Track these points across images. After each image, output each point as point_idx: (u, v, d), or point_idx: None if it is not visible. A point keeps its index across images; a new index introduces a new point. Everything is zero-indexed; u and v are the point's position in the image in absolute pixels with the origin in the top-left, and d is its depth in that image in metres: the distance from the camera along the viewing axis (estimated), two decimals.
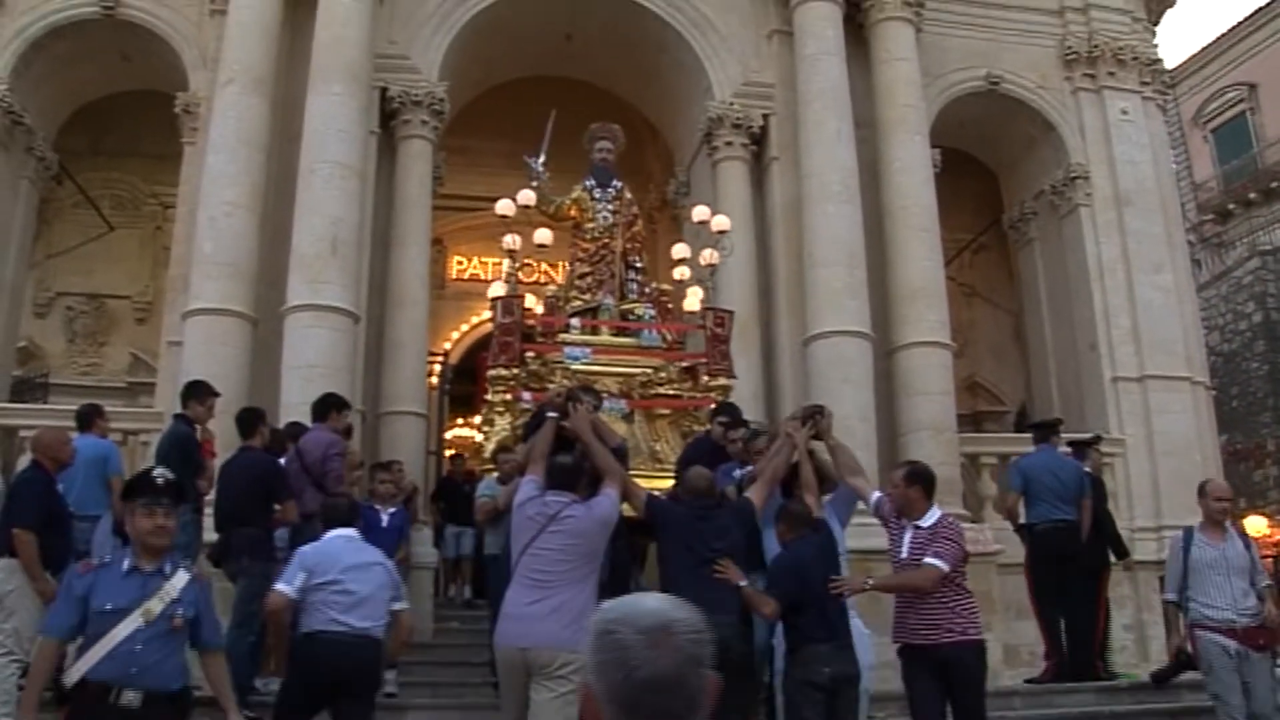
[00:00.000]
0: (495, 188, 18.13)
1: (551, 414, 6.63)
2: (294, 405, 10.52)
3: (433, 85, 13.64)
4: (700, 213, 11.15)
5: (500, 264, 18.95)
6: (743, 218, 13.58)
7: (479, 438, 11.34)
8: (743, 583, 6.12)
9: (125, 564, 4.56)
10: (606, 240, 11.07)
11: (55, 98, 14.61)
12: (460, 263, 19.06)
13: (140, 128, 15.62)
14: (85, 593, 4.46)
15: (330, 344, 11.60)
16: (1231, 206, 27.78)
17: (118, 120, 15.70)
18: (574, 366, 9.85)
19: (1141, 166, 15.25)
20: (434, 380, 15.69)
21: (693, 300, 10.91)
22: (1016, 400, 18.60)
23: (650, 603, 1.79)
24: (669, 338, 10.70)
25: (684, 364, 10.42)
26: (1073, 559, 9.70)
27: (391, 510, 9.07)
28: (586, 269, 11.00)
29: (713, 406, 9.33)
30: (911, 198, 13.53)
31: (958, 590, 6.08)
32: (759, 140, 14.38)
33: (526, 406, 9.33)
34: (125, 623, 4.40)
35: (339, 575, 5.99)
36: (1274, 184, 26.79)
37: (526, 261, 18.74)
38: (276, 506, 7.71)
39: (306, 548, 6.31)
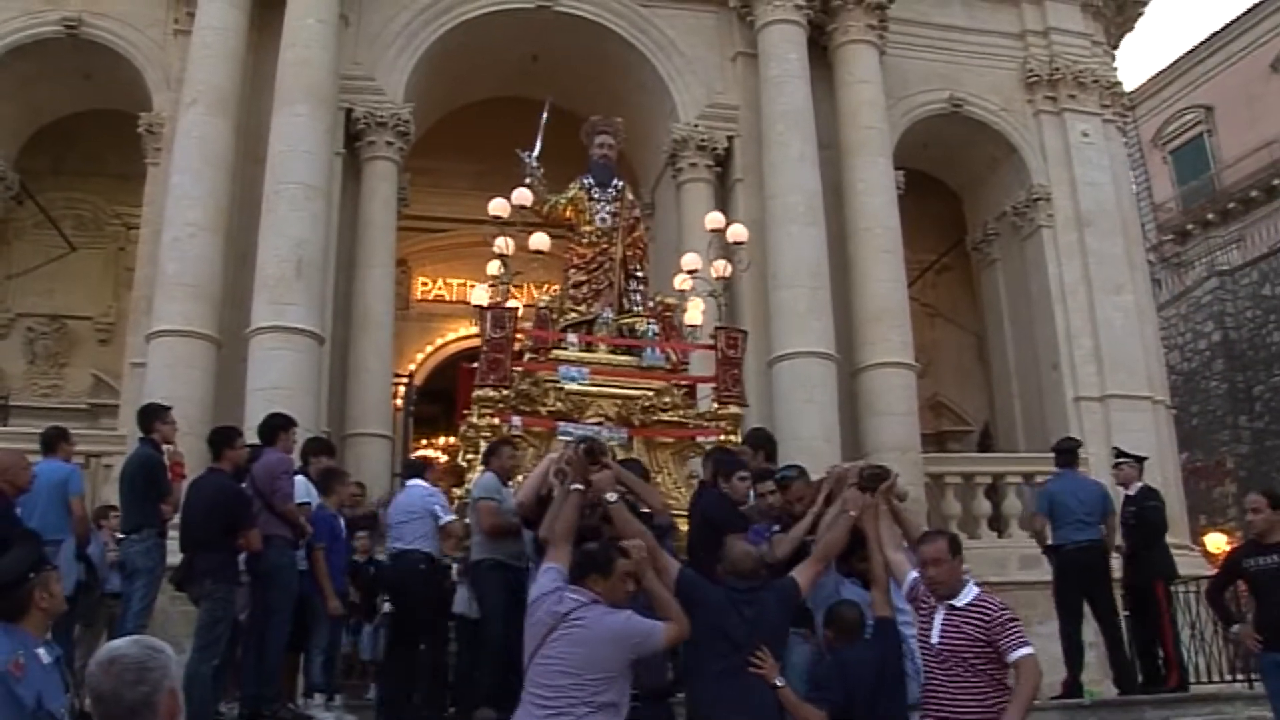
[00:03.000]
0: (460, 208, 18.34)
1: (576, 486, 5.41)
2: (258, 428, 10.46)
3: (398, 106, 13.64)
4: (714, 220, 10.29)
5: (465, 284, 19.14)
6: (706, 239, 13.60)
7: (462, 463, 9.92)
8: (779, 682, 5.26)
9: (45, 656, 4.06)
10: (605, 245, 9.93)
11: (16, 116, 14.51)
12: (425, 284, 19.00)
13: (103, 147, 15.49)
14: (35, 701, 3.87)
15: (295, 366, 11.57)
16: (1190, 227, 28.17)
17: (80, 139, 15.58)
18: (569, 388, 8.91)
19: (1102, 188, 15.44)
20: (398, 402, 15.59)
21: (694, 314, 9.88)
22: (980, 420, 18.69)
23: (113, 642, 2.56)
24: (674, 357, 9.69)
25: (685, 387, 9.59)
26: (1100, 578, 9.77)
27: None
28: (583, 277, 9.86)
29: (712, 448, 8.28)
30: (875, 219, 13.65)
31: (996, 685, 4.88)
32: (723, 162, 14.46)
33: (516, 433, 8.53)
34: None
35: None
36: (1231, 205, 27.19)
37: (491, 284, 18.96)
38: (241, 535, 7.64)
39: None
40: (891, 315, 13.38)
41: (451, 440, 21.82)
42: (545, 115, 10.28)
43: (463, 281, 18.96)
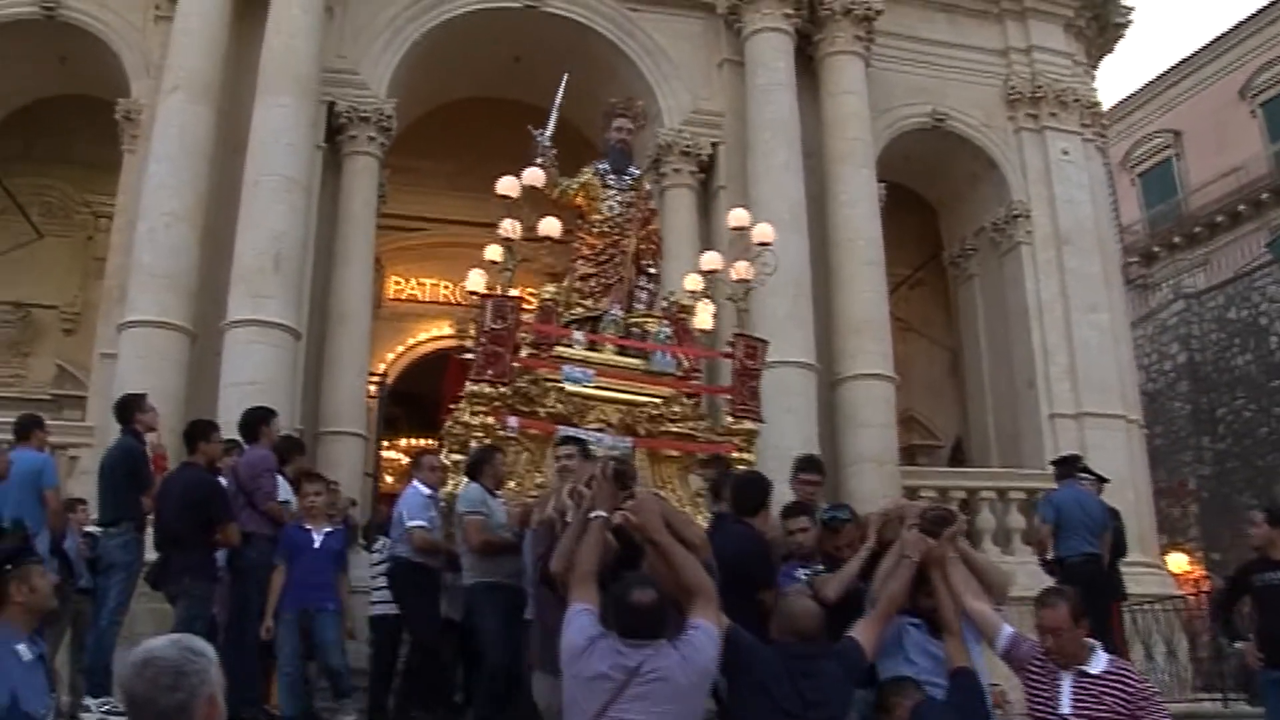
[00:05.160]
0: (435, 208, 18.24)
1: (598, 514, 4.62)
2: (231, 423, 10.13)
3: (381, 102, 13.47)
4: (738, 217, 9.46)
5: (439, 285, 18.97)
6: (689, 245, 13.53)
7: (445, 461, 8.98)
8: None
9: (26, 653, 3.91)
10: (617, 237, 9.20)
11: None
12: (398, 283, 18.76)
13: (74, 134, 15.21)
14: (8, 699, 3.73)
15: (270, 361, 11.37)
16: (1156, 249, 28.47)
17: (51, 125, 15.27)
18: (571, 389, 8.28)
19: (1081, 206, 15.54)
20: (370, 401, 15.38)
21: (704, 318, 9.14)
22: (950, 435, 18.73)
23: (148, 642, 2.39)
24: (686, 364, 8.99)
25: (694, 397, 8.95)
26: (1101, 592, 9.76)
27: (326, 530, 7.91)
28: (591, 269, 9.12)
29: (741, 471, 7.42)
30: (858, 230, 13.64)
31: None
32: (707, 169, 14.40)
33: (511, 434, 7.94)
34: None
35: None
36: (1197, 229, 27.51)
37: (465, 285, 18.76)
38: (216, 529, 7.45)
39: None
40: (872, 327, 13.37)
41: (417, 442, 21.67)
42: (561, 93, 9.65)
43: (436, 282, 18.83)
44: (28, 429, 8.28)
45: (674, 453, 8.49)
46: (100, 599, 7.80)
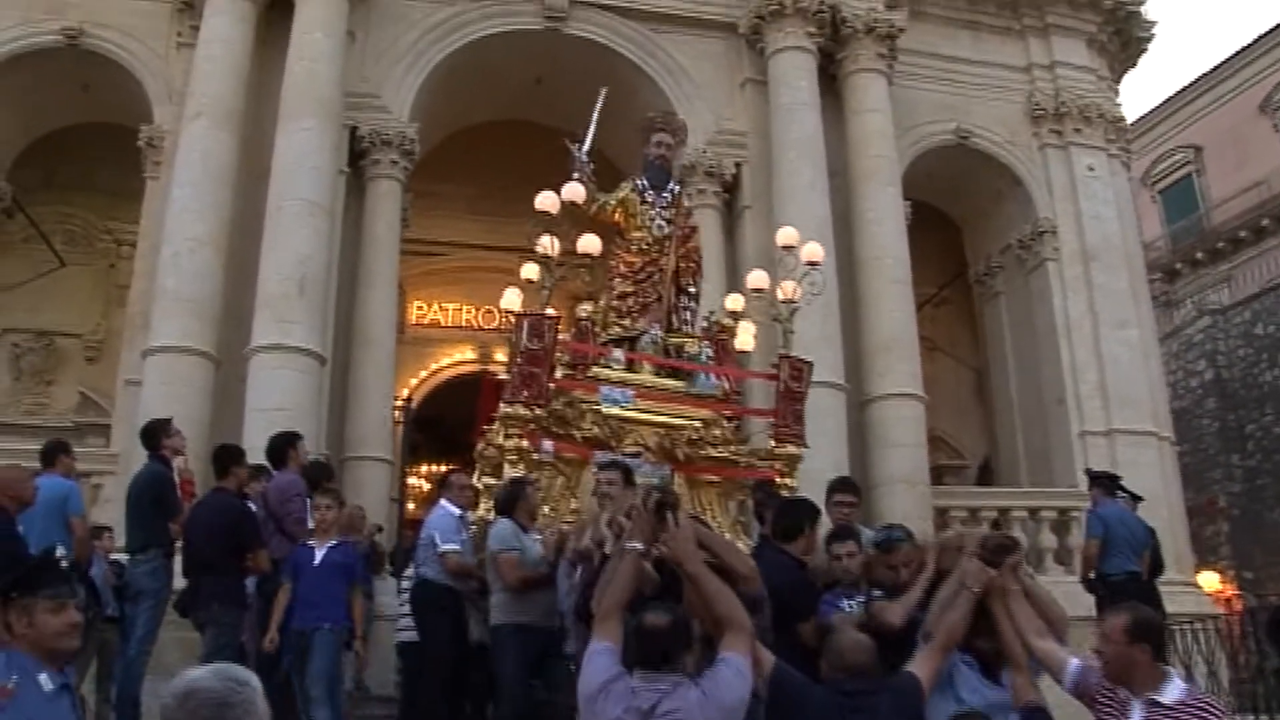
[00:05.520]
0: (456, 232, 18.22)
1: (633, 545, 4.29)
2: (257, 449, 10.06)
3: (404, 125, 13.44)
4: (786, 235, 9.08)
5: (460, 309, 18.92)
6: (714, 267, 13.43)
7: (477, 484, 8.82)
8: None
9: (48, 683, 3.57)
10: (656, 255, 8.89)
11: (12, 127, 14.21)
12: (420, 308, 18.70)
13: (97, 162, 15.21)
14: None
15: (296, 386, 11.31)
16: (1179, 266, 28.25)
17: (74, 153, 15.27)
18: (608, 411, 7.96)
19: (1107, 222, 15.40)
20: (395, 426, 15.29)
21: (744, 338, 8.95)
22: (976, 455, 18.57)
23: (189, 673, 2.32)
24: (728, 386, 8.71)
25: (734, 420, 8.69)
26: None
27: (330, 544, 7.47)
28: (629, 288, 8.80)
29: (786, 495, 7.24)
30: (884, 249, 13.52)
31: None
32: (731, 189, 14.32)
33: (546, 458, 7.68)
34: None
35: None
36: (1220, 245, 27.28)
37: (489, 309, 18.69)
38: (248, 555, 7.33)
39: None
40: (901, 345, 13.25)
41: (439, 468, 21.55)
42: (598, 108, 9.42)
43: (458, 306, 18.79)
44: (54, 454, 8.18)
45: (714, 478, 8.18)
46: (128, 628, 7.73)
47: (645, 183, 9.13)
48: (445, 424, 19.75)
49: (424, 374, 18.42)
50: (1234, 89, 27.97)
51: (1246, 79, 27.73)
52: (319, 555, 7.39)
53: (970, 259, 17.49)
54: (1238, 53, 28.04)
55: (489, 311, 18.60)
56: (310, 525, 7.63)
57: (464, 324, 18.75)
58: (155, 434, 8.03)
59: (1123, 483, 10.59)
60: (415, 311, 18.77)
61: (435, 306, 18.84)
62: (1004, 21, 16.01)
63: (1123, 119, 16.47)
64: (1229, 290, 26.29)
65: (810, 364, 8.83)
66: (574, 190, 8.22)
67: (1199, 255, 27.75)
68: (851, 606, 5.37)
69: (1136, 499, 10.50)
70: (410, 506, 17.38)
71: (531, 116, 15.64)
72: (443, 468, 21.77)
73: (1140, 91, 57.08)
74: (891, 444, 12.88)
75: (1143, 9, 16.66)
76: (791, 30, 13.92)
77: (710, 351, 8.68)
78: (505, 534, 6.76)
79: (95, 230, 16.17)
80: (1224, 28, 63.75)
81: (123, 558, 9.01)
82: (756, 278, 9.06)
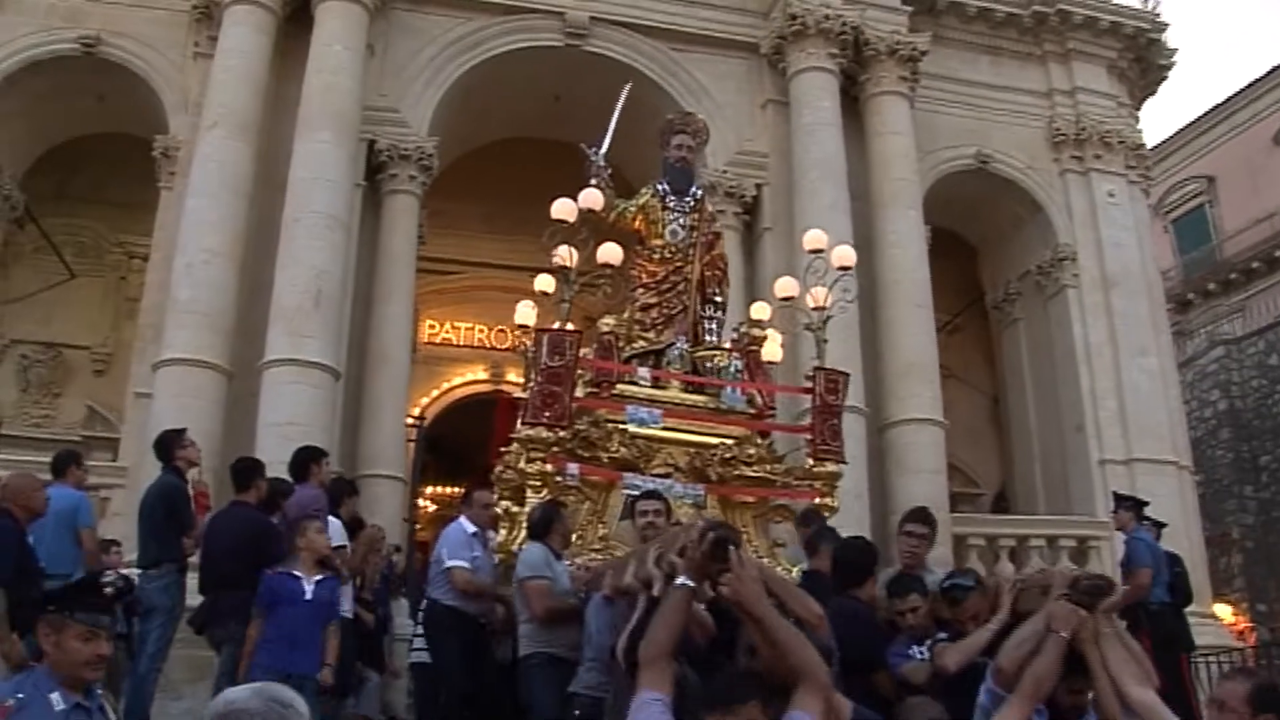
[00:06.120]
0: (469, 251, 18.07)
1: (682, 581, 3.72)
2: (271, 465, 9.88)
3: (422, 140, 13.32)
4: (813, 238, 8.48)
5: (473, 329, 18.76)
6: (734, 289, 13.22)
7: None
8: None
9: (59, 702, 3.40)
10: (680, 264, 8.41)
11: (26, 135, 14.10)
12: (432, 326, 18.55)
13: (109, 173, 15.09)
14: None
15: (310, 401, 11.16)
16: (1191, 297, 28.09)
17: (86, 164, 15.17)
18: (636, 431, 7.51)
19: (1128, 249, 15.27)
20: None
21: (772, 349, 8.40)
22: (991, 482, 18.37)
23: (229, 692, 2.25)
24: (760, 400, 8.24)
25: (767, 436, 8.20)
26: (1175, 641, 9.33)
27: (318, 578, 6.73)
28: (652, 299, 8.32)
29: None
30: (905, 272, 13.39)
31: None
32: (751, 210, 14.18)
33: (572, 482, 7.21)
34: None
35: None
36: (1233, 276, 27.14)
37: (501, 328, 18.51)
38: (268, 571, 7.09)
39: None
40: (922, 370, 13.11)
41: (447, 490, 21.35)
42: (620, 107, 8.92)
43: (470, 325, 18.66)
44: (64, 464, 8.02)
45: (749, 499, 7.72)
46: (139, 645, 7.51)
47: (666, 187, 8.64)
48: (455, 444, 19.60)
49: (435, 393, 18.27)
50: (1247, 120, 27.87)
51: (1260, 110, 27.62)
52: (309, 589, 6.64)
53: (987, 285, 17.35)
54: (1251, 84, 27.96)
55: (501, 331, 18.45)
56: (338, 545, 7.40)
57: (476, 343, 18.61)
58: (169, 445, 7.85)
59: (1147, 510, 10.42)
60: (427, 330, 18.63)
61: (447, 325, 18.70)
62: (1025, 47, 15.93)
63: (1143, 146, 16.38)
64: (1242, 321, 26.10)
65: (847, 375, 8.31)
66: (592, 197, 7.72)
67: (1211, 286, 27.58)
68: (922, 654, 5.01)
69: (1159, 526, 10.31)
70: (416, 528, 17.20)
71: (548, 134, 15.50)
72: (451, 489, 21.73)
73: (1155, 120, 57.19)
74: (911, 470, 12.71)
75: (1164, 37, 16.56)
76: (814, 51, 13.82)
77: (741, 364, 8.22)
78: (536, 560, 6.27)
79: (106, 242, 16.01)
80: (1240, 58, 63.89)
81: (133, 573, 8.84)
82: (785, 285, 8.55)
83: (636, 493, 6.99)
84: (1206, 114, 28.90)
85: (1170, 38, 16.68)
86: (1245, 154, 27.62)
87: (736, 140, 14.24)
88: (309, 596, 6.59)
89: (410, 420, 14.99)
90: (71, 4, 12.97)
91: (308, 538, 6.76)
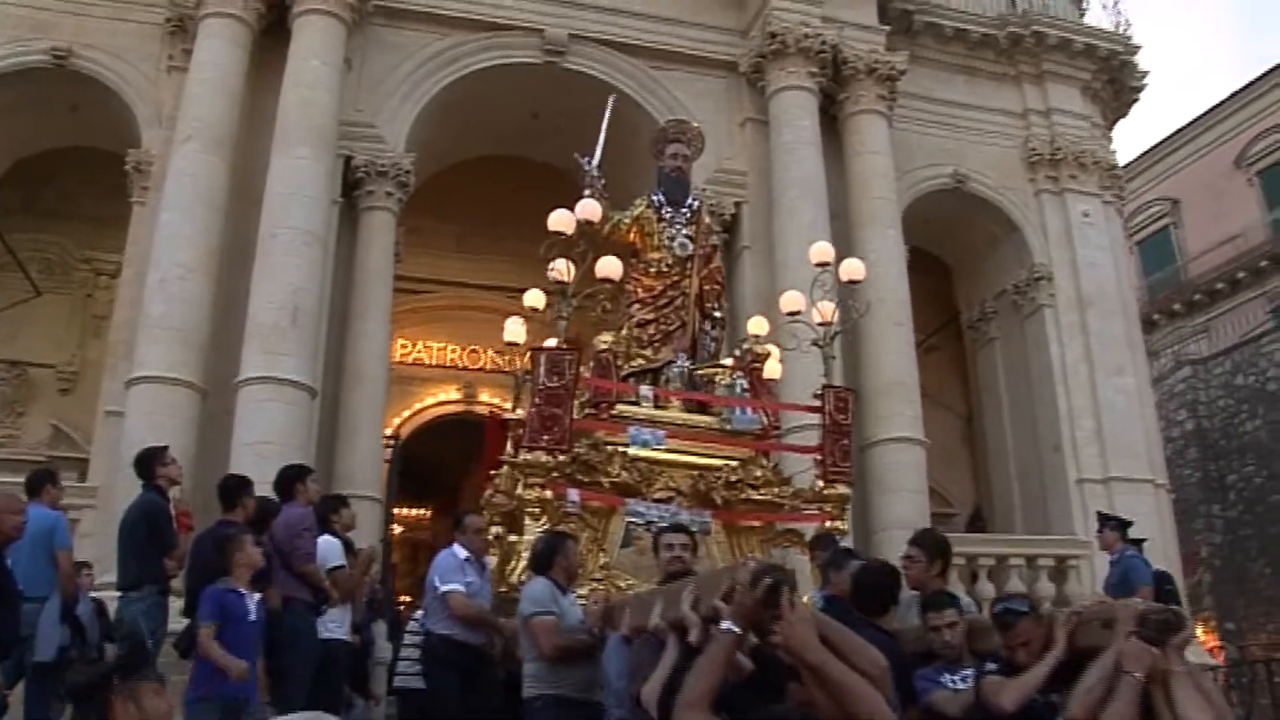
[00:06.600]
0: (442, 270, 17.90)
1: (728, 626, 3.35)
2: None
3: (399, 156, 13.16)
4: (820, 251, 8.33)
5: (446, 348, 18.56)
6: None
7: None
8: None
9: None
10: (677, 278, 8.13)
11: None
12: (404, 345, 18.34)
13: (78, 188, 14.84)
14: None
15: (286, 419, 10.96)
16: (1156, 317, 28.35)
17: (55, 179, 14.89)
18: (636, 454, 7.19)
19: (1103, 269, 15.36)
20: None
21: (772, 366, 8.14)
22: (965, 502, 18.36)
23: None
24: (766, 420, 7.91)
25: (769, 456, 7.94)
26: None
27: (258, 596, 6.32)
28: (649, 315, 8.04)
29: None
30: (886, 291, 13.33)
31: None
32: (730, 228, 14.10)
33: (572, 509, 6.85)
34: None
35: None
36: (1197, 296, 27.45)
37: (474, 348, 18.31)
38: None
39: None
40: (902, 389, 13.09)
41: (418, 513, 21.10)
42: (609, 113, 8.78)
43: (442, 345, 18.47)
44: (40, 484, 7.74)
45: (755, 524, 7.46)
46: None
47: (661, 198, 8.36)
48: (425, 466, 19.39)
49: (406, 413, 18.02)
50: (1210, 144, 28.25)
51: (1222, 134, 28.02)
52: (252, 607, 6.20)
53: (963, 304, 17.39)
54: (1213, 108, 28.37)
55: (474, 351, 18.35)
56: (337, 565, 7.20)
57: (448, 363, 18.42)
58: (150, 462, 7.60)
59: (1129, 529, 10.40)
60: (399, 350, 18.41)
61: (419, 345, 18.50)
62: (1000, 68, 16.04)
63: (1116, 166, 16.55)
64: (1207, 341, 26.39)
65: (854, 393, 8.11)
66: (590, 208, 7.40)
67: (1176, 307, 27.89)
68: (955, 683, 4.61)
69: (1139, 543, 10.30)
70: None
71: (526, 152, 15.45)
72: (419, 511, 21.47)
73: (1122, 142, 57.88)
74: (892, 489, 12.66)
75: (1135, 59, 16.73)
76: (794, 69, 13.82)
77: (745, 383, 7.88)
78: (541, 595, 5.79)
79: (73, 259, 15.71)
80: (1204, 82, 64.87)
81: (105, 595, 8.58)
82: (791, 299, 8.27)
83: (640, 519, 6.82)
84: (1170, 137, 29.29)
85: (1141, 60, 16.87)
86: (1208, 177, 27.98)
87: (715, 158, 14.15)
88: (253, 617, 6.21)
89: (390, 439, 14.80)
90: (43, 15, 12.72)
91: (245, 551, 6.29)
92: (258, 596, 6.30)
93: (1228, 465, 22.76)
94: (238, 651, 5.98)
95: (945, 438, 18.82)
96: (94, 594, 8.80)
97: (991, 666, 4.52)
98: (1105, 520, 10.11)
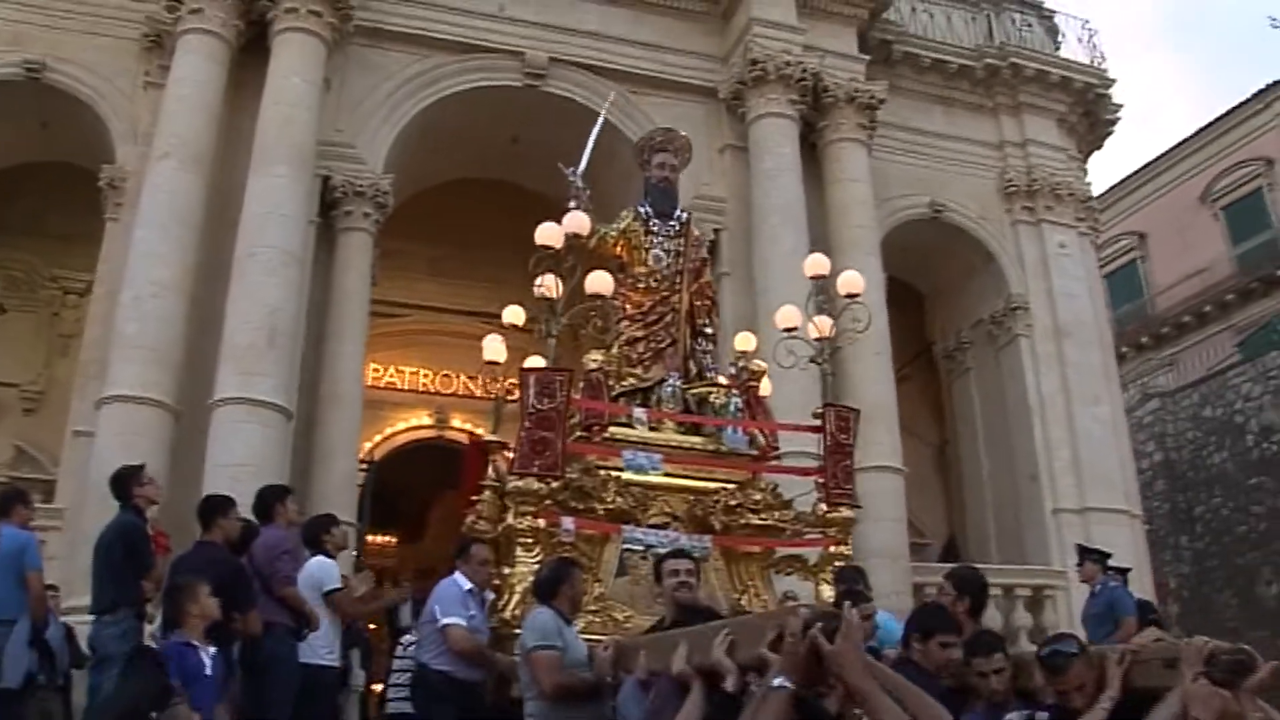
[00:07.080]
0: (415, 294, 17.74)
1: (781, 683, 3.00)
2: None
3: (377, 177, 13.03)
4: (816, 263, 8.12)
5: (418, 373, 18.36)
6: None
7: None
8: None
9: None
10: (667, 293, 7.81)
11: None
12: (376, 369, 18.12)
13: (48, 204, 14.60)
14: None
15: (262, 441, 10.77)
16: (1124, 350, 28.57)
17: (23, 195, 14.60)
18: (632, 479, 6.88)
19: (1079, 299, 15.45)
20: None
21: (764, 383, 7.85)
22: (938, 532, 18.33)
23: None
24: (763, 440, 7.63)
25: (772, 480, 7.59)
26: None
27: (213, 650, 5.81)
28: (639, 332, 7.68)
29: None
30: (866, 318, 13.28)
31: None
32: (709, 255, 13.98)
33: (567, 538, 6.54)
34: None
35: None
36: (1164, 329, 27.69)
37: (446, 373, 18.13)
38: (236, 616, 6.65)
39: None
40: (882, 417, 13.03)
41: (386, 539, 20.76)
42: (600, 124, 8.59)
43: (415, 369, 18.29)
44: (10, 503, 7.52)
45: (754, 549, 7.13)
46: (90, 697, 7.01)
47: (649, 209, 8.03)
48: (394, 491, 19.11)
49: (378, 438, 17.79)
50: (1176, 179, 28.58)
51: (1188, 170, 28.36)
52: (208, 663, 5.71)
53: (937, 334, 17.43)
54: (1179, 144, 28.72)
55: (446, 376, 18.17)
56: (333, 588, 6.96)
57: (420, 388, 18.22)
58: (126, 482, 7.38)
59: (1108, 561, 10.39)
60: (370, 373, 18.18)
61: (391, 369, 18.30)
62: (977, 99, 16.15)
63: (1091, 198, 16.72)
64: (1174, 374, 26.59)
65: (858, 412, 7.74)
66: (578, 220, 7.10)
67: (1144, 339, 28.12)
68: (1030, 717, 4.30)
69: (1124, 572, 10.31)
70: None
71: (505, 175, 15.37)
72: (385, 538, 21.14)
73: (1093, 175, 58.55)
74: (872, 518, 12.47)
75: (1110, 92, 16.89)
76: (774, 96, 13.82)
77: (740, 402, 7.54)
78: (546, 626, 5.38)
79: (39, 276, 15.43)
80: (1169, 120, 65.81)
81: (72, 620, 8.33)
82: (787, 315, 7.97)
83: (639, 547, 6.58)
84: (1138, 172, 29.61)
85: (1115, 93, 17.04)
86: (1175, 211, 28.29)
87: (695, 185, 14.05)
88: (209, 672, 5.71)
89: (364, 463, 14.60)
90: (16, 27, 12.52)
91: (200, 602, 5.76)
92: (213, 650, 5.82)
93: (1195, 497, 22.89)
94: (195, 708, 5.39)
95: (917, 467, 18.75)
96: (62, 618, 8.53)
97: (1043, 716, 4.23)
98: (1086, 553, 10.08)
